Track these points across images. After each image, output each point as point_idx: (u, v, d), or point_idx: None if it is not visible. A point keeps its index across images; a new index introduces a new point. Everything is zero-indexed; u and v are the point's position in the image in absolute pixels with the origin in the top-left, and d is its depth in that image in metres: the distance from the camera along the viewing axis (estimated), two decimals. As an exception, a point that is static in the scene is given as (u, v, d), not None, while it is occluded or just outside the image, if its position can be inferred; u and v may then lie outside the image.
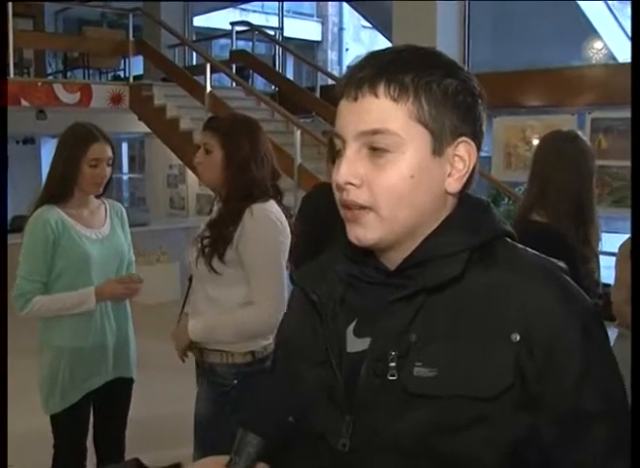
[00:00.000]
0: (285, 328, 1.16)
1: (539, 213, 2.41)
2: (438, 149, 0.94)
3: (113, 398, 2.79)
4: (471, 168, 0.96)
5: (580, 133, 2.64)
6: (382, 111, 0.92)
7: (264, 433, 0.99)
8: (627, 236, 2.98)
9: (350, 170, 0.93)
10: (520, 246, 1.00)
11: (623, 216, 3.02)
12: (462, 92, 0.94)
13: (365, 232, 0.95)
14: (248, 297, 2.34)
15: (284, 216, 2.44)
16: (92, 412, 2.79)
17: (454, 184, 0.96)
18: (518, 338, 0.89)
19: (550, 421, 0.90)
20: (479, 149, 0.97)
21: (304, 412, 1.01)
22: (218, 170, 2.40)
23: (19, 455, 3.30)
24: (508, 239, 1.00)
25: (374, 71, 0.93)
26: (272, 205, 2.41)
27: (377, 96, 0.92)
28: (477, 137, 0.97)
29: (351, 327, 1.00)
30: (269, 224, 2.34)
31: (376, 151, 0.93)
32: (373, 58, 0.95)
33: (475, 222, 0.97)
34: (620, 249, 3.03)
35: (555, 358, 0.89)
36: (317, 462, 1.00)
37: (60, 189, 2.61)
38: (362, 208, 0.94)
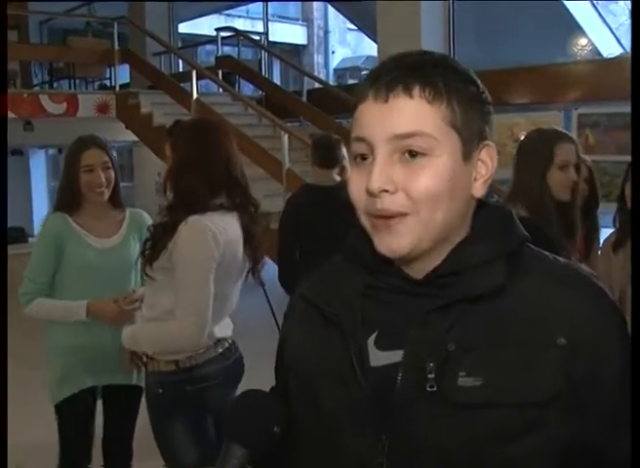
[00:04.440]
0: (292, 344, 1.08)
1: (518, 207, 2.45)
2: (467, 154, 0.92)
3: (122, 403, 2.83)
4: (493, 172, 0.96)
5: (559, 128, 2.68)
6: (418, 113, 0.89)
7: (249, 444, 0.97)
8: (612, 230, 3.00)
9: (384, 176, 0.89)
10: (545, 253, 0.99)
11: (611, 211, 3.03)
12: (482, 97, 0.95)
13: (400, 241, 0.91)
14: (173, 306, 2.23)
15: (232, 229, 2.27)
16: (103, 416, 2.85)
17: (479, 189, 0.95)
18: (564, 342, 0.89)
19: (597, 421, 0.91)
20: None
21: (328, 432, 0.97)
22: (167, 175, 2.33)
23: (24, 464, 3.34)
24: (530, 245, 0.99)
25: (406, 73, 0.90)
26: (214, 217, 2.23)
27: (411, 97, 0.89)
28: (493, 142, 0.97)
29: (371, 340, 0.96)
30: (202, 238, 2.18)
31: (410, 155, 0.89)
32: (398, 61, 0.92)
33: (504, 228, 0.97)
34: (604, 242, 3.05)
35: (600, 360, 0.90)
36: None
37: (66, 199, 2.73)
38: (398, 215, 0.90)
